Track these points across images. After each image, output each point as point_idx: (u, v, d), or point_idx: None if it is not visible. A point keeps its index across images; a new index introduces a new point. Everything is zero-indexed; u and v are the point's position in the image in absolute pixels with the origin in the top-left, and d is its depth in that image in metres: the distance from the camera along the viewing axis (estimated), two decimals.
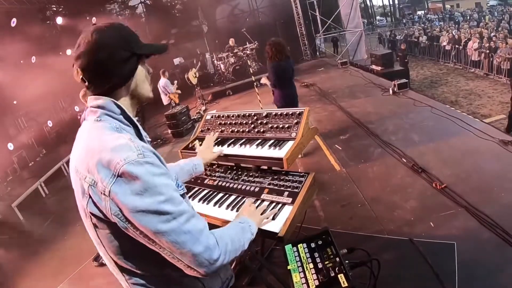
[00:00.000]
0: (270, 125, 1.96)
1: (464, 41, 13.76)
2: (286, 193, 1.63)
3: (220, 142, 2.11)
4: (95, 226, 1.00)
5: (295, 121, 1.87)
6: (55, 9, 10.82)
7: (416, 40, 18.07)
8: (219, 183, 1.90)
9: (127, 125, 1.05)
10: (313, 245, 1.47)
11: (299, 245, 1.49)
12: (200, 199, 1.83)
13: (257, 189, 1.74)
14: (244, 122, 2.10)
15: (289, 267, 1.40)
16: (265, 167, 1.90)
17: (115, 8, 15.50)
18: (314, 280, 1.30)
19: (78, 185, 0.99)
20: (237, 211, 1.62)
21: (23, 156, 8.92)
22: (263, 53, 4.84)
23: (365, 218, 3.18)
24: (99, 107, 1.02)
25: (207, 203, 1.77)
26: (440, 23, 24.25)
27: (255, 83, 7.47)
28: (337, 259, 1.34)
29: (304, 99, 7.33)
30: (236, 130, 2.10)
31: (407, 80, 7.15)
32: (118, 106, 1.03)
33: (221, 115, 2.27)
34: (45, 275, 3.90)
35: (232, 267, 2.64)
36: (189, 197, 1.88)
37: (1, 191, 7.04)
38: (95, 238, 1.05)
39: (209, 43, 15.32)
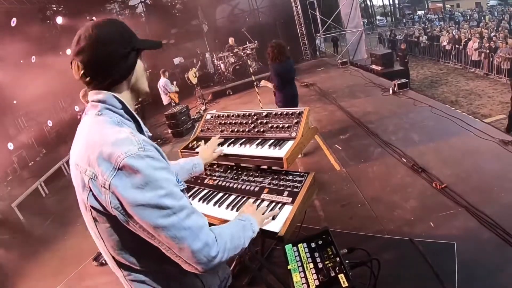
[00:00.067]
0: (270, 125, 1.96)
1: (464, 41, 13.76)
2: (286, 192, 1.63)
3: (220, 142, 2.10)
4: (95, 220, 1.00)
5: (295, 120, 1.87)
6: (55, 9, 10.81)
7: (416, 40, 18.07)
8: (219, 183, 1.90)
9: (128, 119, 1.06)
10: (313, 245, 1.47)
11: (299, 245, 1.49)
12: (200, 199, 1.83)
13: (257, 189, 1.74)
14: (244, 121, 2.10)
15: (289, 267, 1.40)
16: (265, 167, 1.90)
17: (115, 8, 15.50)
18: (314, 280, 1.29)
19: (78, 179, 0.99)
20: (237, 210, 1.62)
21: (23, 156, 8.93)
22: (263, 52, 4.87)
23: (365, 218, 3.18)
24: (100, 101, 1.02)
25: (207, 203, 1.77)
26: (440, 23, 24.24)
27: (255, 83, 7.47)
28: (337, 259, 1.34)
29: (304, 99, 7.33)
30: (236, 129, 2.10)
31: (407, 80, 7.15)
32: (119, 101, 1.04)
33: (221, 115, 2.27)
34: (45, 275, 3.90)
35: (232, 267, 2.64)
36: (189, 196, 1.88)
37: (1, 191, 7.04)
38: (94, 233, 1.05)
39: (209, 43, 15.33)
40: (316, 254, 1.41)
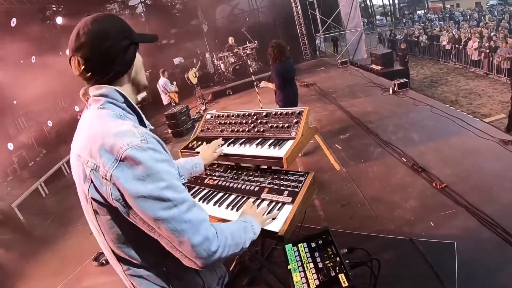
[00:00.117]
0: (270, 125, 1.96)
1: (464, 41, 13.76)
2: (286, 192, 1.63)
3: (222, 143, 2.10)
4: (95, 212, 0.99)
5: (295, 120, 1.87)
6: (55, 9, 10.80)
7: (416, 39, 18.06)
8: (219, 183, 1.90)
9: (130, 113, 1.06)
10: (313, 244, 1.47)
11: (299, 245, 1.49)
12: (200, 199, 1.83)
13: (257, 189, 1.74)
14: (244, 121, 2.10)
15: (289, 267, 1.40)
16: (265, 167, 1.90)
17: (115, 8, 15.48)
18: (314, 279, 1.30)
19: (80, 171, 0.99)
20: (237, 210, 1.62)
21: (23, 156, 8.92)
22: (263, 52, 4.90)
23: (365, 217, 3.18)
24: (102, 95, 1.02)
25: (207, 203, 1.77)
26: (440, 22, 24.24)
27: (255, 83, 7.47)
28: (338, 258, 1.34)
29: (304, 99, 7.33)
30: (236, 129, 2.10)
31: (407, 80, 7.15)
32: (121, 94, 1.04)
33: (221, 115, 2.27)
34: (46, 275, 3.90)
35: (232, 267, 2.64)
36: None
37: (1, 191, 7.04)
38: (95, 226, 1.04)
39: (209, 43, 15.32)
40: (316, 254, 1.41)
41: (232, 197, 1.75)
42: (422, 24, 23.40)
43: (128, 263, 1.05)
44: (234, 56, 11.22)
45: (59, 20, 10.21)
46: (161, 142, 1.00)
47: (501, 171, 3.40)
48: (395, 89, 6.65)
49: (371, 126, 5.26)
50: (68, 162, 7.77)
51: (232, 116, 2.20)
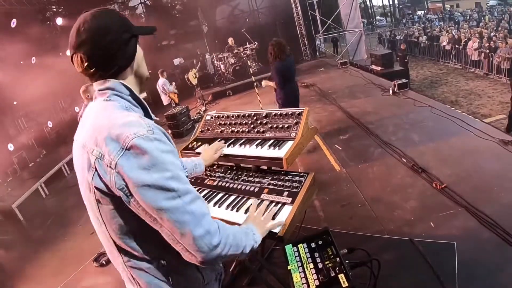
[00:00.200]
0: (269, 125, 1.96)
1: (464, 41, 13.77)
2: (285, 193, 1.63)
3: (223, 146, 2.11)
4: (98, 201, 0.99)
5: (295, 121, 1.87)
6: (55, 9, 10.81)
7: (416, 40, 18.08)
8: (219, 183, 1.90)
9: (135, 105, 1.07)
10: (313, 245, 1.47)
11: (299, 245, 1.49)
12: None
13: (257, 189, 1.74)
14: (244, 122, 2.10)
15: (289, 267, 1.40)
16: (265, 167, 1.90)
17: (115, 9, 15.51)
18: (314, 280, 1.30)
19: (84, 160, 0.99)
20: (237, 211, 1.62)
21: (23, 157, 8.92)
22: (263, 53, 4.92)
23: (365, 218, 3.18)
24: (108, 88, 1.03)
25: (207, 203, 1.77)
26: (440, 23, 24.26)
27: (255, 84, 7.48)
28: (338, 259, 1.35)
29: (304, 99, 7.33)
30: (236, 130, 2.10)
31: (407, 80, 7.15)
32: (127, 87, 1.05)
33: (221, 116, 2.27)
34: (46, 275, 3.90)
35: (232, 267, 2.64)
36: None
37: (1, 192, 7.03)
38: (97, 217, 1.04)
39: (209, 44, 15.32)
40: (316, 254, 1.41)
41: (232, 197, 1.75)
42: (422, 25, 23.43)
43: (129, 254, 1.05)
44: (234, 57, 11.23)
45: (59, 21, 10.21)
46: (167, 134, 1.01)
47: (501, 172, 3.40)
48: (395, 89, 6.66)
49: (371, 126, 5.26)
50: (68, 163, 7.79)
51: (232, 116, 2.20)
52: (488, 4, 29.91)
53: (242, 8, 15.05)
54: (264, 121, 2.01)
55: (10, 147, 8.63)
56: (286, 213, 1.51)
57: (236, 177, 1.90)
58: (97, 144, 0.94)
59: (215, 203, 1.74)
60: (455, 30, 16.63)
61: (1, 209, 6.01)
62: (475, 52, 12.39)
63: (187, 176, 1.07)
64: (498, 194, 3.06)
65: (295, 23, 13.91)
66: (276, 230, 1.44)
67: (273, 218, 1.50)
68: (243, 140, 2.01)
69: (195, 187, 1.94)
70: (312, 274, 1.32)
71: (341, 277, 1.25)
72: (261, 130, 1.99)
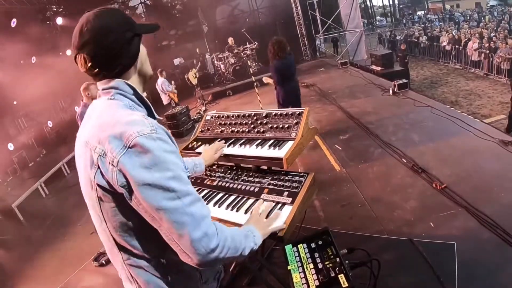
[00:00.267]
0: (270, 125, 1.96)
1: (464, 41, 13.77)
2: (285, 193, 1.63)
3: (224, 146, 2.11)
4: (100, 199, 0.99)
5: (295, 121, 1.87)
6: (55, 9, 10.81)
7: (416, 40, 18.08)
8: (219, 183, 1.90)
9: (139, 105, 1.07)
10: (313, 245, 1.47)
11: (299, 245, 1.49)
12: None
13: (257, 189, 1.74)
14: (244, 122, 2.10)
15: (289, 267, 1.40)
16: (265, 167, 1.90)
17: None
18: (314, 280, 1.30)
19: (87, 157, 0.99)
20: (237, 211, 1.62)
21: (23, 157, 8.93)
22: (263, 53, 4.94)
23: (365, 218, 3.18)
24: (112, 88, 1.03)
25: (207, 203, 1.77)
26: (440, 23, 24.26)
27: (255, 83, 7.48)
28: (337, 259, 1.34)
29: (304, 99, 7.28)
30: (236, 130, 2.10)
31: (407, 80, 7.14)
32: (130, 86, 1.05)
33: (221, 115, 2.27)
34: (45, 275, 3.90)
35: (232, 267, 2.64)
36: None
37: (1, 191, 7.03)
38: (98, 214, 1.04)
39: (209, 44, 15.33)
40: (316, 255, 1.41)
41: (232, 197, 1.75)
42: (422, 25, 23.45)
43: (129, 252, 1.05)
44: (234, 57, 11.23)
45: (59, 20, 10.21)
46: (169, 134, 1.01)
47: (501, 172, 3.40)
48: (395, 89, 6.66)
49: (371, 126, 5.26)
50: (68, 163, 7.79)
51: (232, 116, 2.20)
52: (488, 5, 29.92)
53: (242, 8, 15.05)
54: (264, 121, 2.01)
55: (10, 146, 8.64)
56: (286, 213, 1.51)
57: (236, 177, 1.90)
58: (100, 142, 0.94)
59: (215, 203, 1.74)
60: (455, 31, 16.64)
61: (1, 208, 6.01)
62: (475, 52, 12.40)
63: (188, 177, 1.07)
64: (498, 194, 3.06)
65: (295, 23, 13.91)
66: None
67: (268, 215, 1.49)
68: (243, 140, 2.01)
69: (195, 187, 1.95)
70: (312, 274, 1.32)
71: (341, 277, 1.25)
72: (261, 130, 1.99)
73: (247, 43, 11.33)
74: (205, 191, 1.89)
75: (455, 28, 18.82)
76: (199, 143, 2.19)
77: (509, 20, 17.78)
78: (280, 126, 1.91)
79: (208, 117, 2.35)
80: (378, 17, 37.26)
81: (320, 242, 1.47)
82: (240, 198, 1.72)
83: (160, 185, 0.90)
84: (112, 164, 0.91)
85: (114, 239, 1.04)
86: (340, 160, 4.46)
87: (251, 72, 9.43)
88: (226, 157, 1.95)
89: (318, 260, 1.38)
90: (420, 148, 4.25)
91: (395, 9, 37.45)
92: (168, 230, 0.92)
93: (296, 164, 4.60)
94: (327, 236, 1.49)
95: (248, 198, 1.69)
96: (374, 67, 10.68)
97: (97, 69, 1.00)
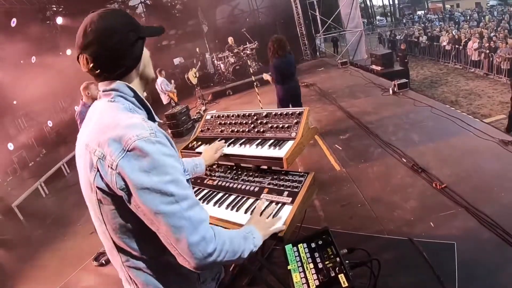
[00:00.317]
0: (270, 125, 1.96)
1: (464, 41, 13.77)
2: (285, 192, 1.63)
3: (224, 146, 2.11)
4: (99, 201, 1.00)
5: (295, 121, 1.87)
6: (55, 9, 10.80)
7: (416, 40, 18.08)
8: (219, 183, 1.90)
9: (139, 107, 1.07)
10: (313, 245, 1.47)
11: (299, 245, 1.49)
12: (200, 199, 1.83)
13: (257, 189, 1.74)
14: (244, 122, 2.10)
15: (289, 267, 1.40)
16: (265, 167, 1.90)
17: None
18: (314, 280, 1.30)
19: (87, 159, 0.99)
20: (237, 211, 1.62)
21: (23, 156, 8.94)
22: (263, 53, 4.96)
23: (365, 218, 3.18)
24: (112, 90, 1.03)
25: (207, 203, 1.77)
26: (440, 23, 24.25)
27: (255, 83, 7.48)
28: (338, 259, 1.34)
29: (304, 99, 7.28)
30: (236, 130, 2.10)
31: (407, 80, 7.14)
32: (131, 89, 1.05)
33: (221, 115, 2.27)
34: (45, 275, 3.90)
35: (232, 267, 2.64)
36: None
37: (1, 191, 7.04)
38: (97, 216, 1.04)
39: (209, 43, 15.34)
40: (316, 254, 1.41)
41: (232, 197, 1.75)
42: (422, 25, 23.44)
43: (128, 254, 1.05)
44: (234, 57, 11.22)
45: (59, 20, 10.21)
46: (169, 138, 1.01)
47: (501, 172, 3.40)
48: (395, 89, 6.65)
49: (371, 126, 5.26)
50: (68, 162, 7.79)
51: (232, 116, 2.20)
52: (488, 4, 29.90)
53: (242, 8, 15.05)
54: (264, 121, 2.01)
55: (10, 146, 8.65)
56: (286, 213, 1.51)
57: (236, 177, 1.90)
58: (99, 145, 0.94)
59: (215, 203, 1.74)
60: (455, 30, 16.63)
61: (1, 208, 6.02)
62: (475, 52, 12.40)
63: (187, 175, 1.07)
64: (498, 194, 3.06)
65: (295, 22, 13.91)
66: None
67: (273, 217, 1.49)
68: (243, 139, 2.00)
69: (195, 187, 1.96)
70: (312, 274, 1.32)
71: (341, 277, 1.25)
72: (261, 130, 1.98)
73: (247, 43, 11.32)
74: (205, 191, 1.89)
75: (455, 28, 18.81)
76: (199, 142, 2.19)
77: (509, 20, 17.77)
78: (280, 125, 1.91)
79: (208, 117, 2.35)
80: (378, 17, 37.22)
81: (320, 242, 1.47)
82: (240, 197, 1.72)
83: (158, 189, 0.90)
84: (111, 167, 0.91)
85: (113, 241, 1.05)
86: (340, 160, 4.46)
87: (251, 71, 9.43)
88: (226, 156, 1.95)
89: (318, 260, 1.38)
90: (420, 148, 4.24)
91: (395, 8, 37.42)
92: (165, 233, 0.93)
93: (296, 164, 4.60)
94: (327, 236, 1.49)
95: (248, 198, 1.69)
96: (374, 66, 10.68)
97: (99, 70, 1.00)
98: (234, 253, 1.05)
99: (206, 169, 1.88)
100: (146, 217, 0.93)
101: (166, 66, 10.18)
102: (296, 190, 1.63)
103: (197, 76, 10.49)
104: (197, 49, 14.30)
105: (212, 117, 2.32)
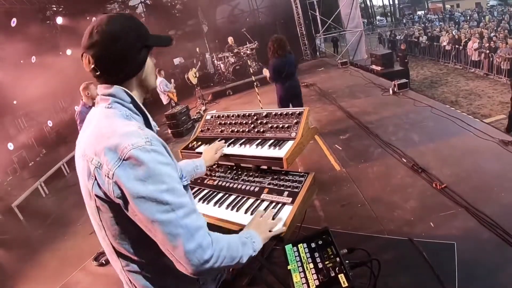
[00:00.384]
0: (270, 125, 1.96)
1: (464, 41, 13.77)
2: (286, 193, 1.63)
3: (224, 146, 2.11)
4: (98, 209, 1.00)
5: (295, 121, 1.87)
6: (55, 9, 10.80)
7: (416, 40, 18.08)
8: (219, 183, 1.90)
9: (136, 113, 1.07)
10: (313, 245, 1.47)
11: (299, 245, 1.49)
12: (200, 199, 1.83)
13: (257, 189, 1.74)
14: (244, 122, 2.10)
15: (289, 267, 1.40)
16: (265, 167, 1.90)
17: (115, 8, 15.47)
18: (314, 280, 1.29)
19: (84, 168, 1.00)
20: (237, 211, 1.62)
21: (23, 156, 8.94)
22: (263, 53, 4.98)
23: (365, 218, 3.18)
24: (110, 95, 1.03)
25: (207, 203, 1.77)
26: (440, 23, 24.25)
27: (255, 83, 7.48)
28: (337, 259, 1.34)
29: (304, 99, 7.24)
30: (236, 130, 2.10)
31: (407, 80, 7.14)
32: (129, 95, 1.05)
33: (221, 115, 2.27)
34: (45, 275, 3.90)
35: (231, 268, 2.64)
36: None
37: (1, 191, 7.04)
38: (97, 222, 1.05)
39: (209, 43, 15.34)
40: (316, 254, 1.41)
41: (232, 197, 1.75)
42: (422, 25, 23.45)
43: (128, 259, 1.06)
44: (234, 57, 11.22)
45: (59, 20, 10.21)
46: (166, 146, 1.01)
47: (501, 172, 3.40)
48: (395, 89, 6.65)
49: (371, 126, 5.26)
50: (68, 162, 7.79)
51: (232, 116, 2.20)
52: (488, 4, 29.92)
53: (242, 8, 15.05)
54: (264, 121, 2.01)
55: (10, 146, 8.65)
56: (286, 213, 1.51)
57: (236, 177, 1.90)
58: (96, 153, 0.95)
59: (215, 203, 1.74)
60: (455, 30, 16.64)
61: (1, 208, 6.02)
62: (475, 52, 12.40)
63: (185, 181, 1.07)
64: (498, 194, 3.06)
65: (295, 22, 13.91)
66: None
67: (273, 218, 1.50)
68: (243, 139, 2.00)
69: (195, 187, 1.96)
70: (312, 274, 1.32)
71: (341, 277, 1.25)
72: (261, 130, 1.98)
73: (247, 43, 11.32)
74: (206, 191, 1.89)
75: (455, 28, 18.82)
76: (199, 142, 2.19)
77: (509, 20, 17.77)
78: (280, 125, 1.91)
79: (208, 117, 2.35)
80: (378, 17, 37.23)
81: (320, 242, 1.47)
82: (240, 198, 1.72)
83: (154, 198, 0.90)
84: (108, 176, 0.92)
85: (113, 246, 1.05)
86: (340, 160, 4.46)
87: (251, 71, 9.43)
88: (226, 157, 1.95)
89: (318, 260, 1.38)
90: (420, 148, 4.24)
91: (395, 9, 37.43)
92: (162, 241, 0.93)
93: (296, 164, 4.60)
94: (327, 236, 1.49)
95: (248, 198, 1.69)
96: (374, 66, 10.68)
97: (99, 72, 1.01)
98: (232, 259, 1.06)
99: (206, 169, 1.88)
100: (143, 225, 0.94)
101: (166, 66, 10.19)
102: (296, 190, 1.63)
103: (197, 76, 10.48)
104: (197, 49, 14.30)
105: (212, 117, 2.32)
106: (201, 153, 1.96)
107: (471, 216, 2.83)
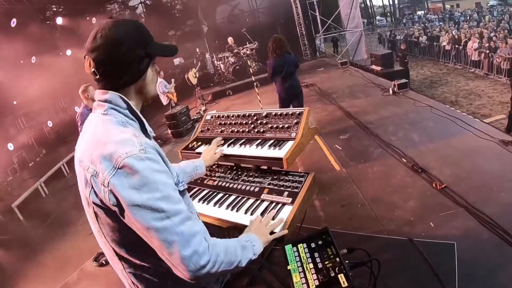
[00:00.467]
0: (270, 125, 1.96)
1: (464, 41, 13.77)
2: (286, 193, 1.63)
3: (221, 142, 2.11)
4: (96, 215, 1.01)
5: (295, 121, 1.87)
6: (55, 9, 10.81)
7: (416, 40, 18.08)
8: (219, 183, 1.90)
9: (132, 119, 1.07)
10: (313, 245, 1.47)
11: (299, 245, 1.49)
12: (200, 199, 1.83)
13: (257, 189, 1.74)
14: (244, 122, 2.10)
15: (289, 267, 1.40)
16: (265, 167, 1.90)
17: (115, 8, 15.47)
18: (314, 280, 1.29)
19: (82, 175, 1.01)
20: (237, 211, 1.62)
21: (23, 157, 8.93)
22: (263, 53, 5.01)
23: (365, 218, 3.18)
24: (106, 101, 1.03)
25: (207, 203, 1.77)
26: (440, 23, 24.26)
27: (255, 83, 7.48)
28: (337, 259, 1.34)
29: (304, 99, 7.32)
30: (236, 130, 2.10)
31: (407, 80, 7.15)
32: (125, 101, 1.05)
33: (221, 115, 2.27)
34: (45, 275, 3.90)
35: None
36: (189, 197, 1.88)
37: (1, 191, 7.04)
38: (96, 228, 1.06)
39: (209, 43, 15.33)
40: (316, 254, 1.41)
41: (232, 197, 1.75)
42: (422, 25, 23.45)
43: (129, 262, 1.07)
44: (234, 57, 11.22)
45: (59, 20, 10.21)
46: (161, 152, 1.02)
47: (501, 172, 3.40)
48: (395, 89, 6.65)
49: (371, 126, 5.26)
50: (68, 163, 7.79)
51: (232, 116, 2.20)
52: (488, 4, 29.92)
53: (242, 8, 15.04)
54: (264, 121, 2.01)
55: (10, 146, 8.65)
56: (286, 213, 1.51)
57: (236, 177, 1.90)
58: (92, 162, 0.95)
59: (215, 203, 1.74)
60: (455, 30, 16.64)
61: (1, 208, 6.03)
62: (475, 52, 12.40)
63: (182, 186, 1.07)
64: (498, 194, 3.06)
65: (295, 23, 13.90)
66: (276, 230, 1.43)
67: (273, 219, 1.50)
68: (243, 140, 2.00)
69: (195, 187, 1.96)
70: (312, 274, 1.32)
71: (341, 277, 1.25)
72: (261, 130, 1.98)
73: (247, 43, 11.32)
74: (205, 191, 1.89)
75: (455, 28, 18.82)
76: (199, 143, 2.19)
77: (509, 20, 17.78)
78: (280, 126, 1.91)
79: (208, 117, 2.35)
80: (378, 17, 37.25)
81: (320, 242, 1.47)
82: (240, 198, 1.72)
83: (149, 205, 0.90)
84: (104, 185, 0.92)
85: (113, 250, 1.06)
86: (340, 160, 4.46)
87: (251, 72, 9.42)
88: (226, 157, 1.95)
89: (318, 260, 1.38)
90: (420, 148, 4.24)
91: (395, 9, 37.44)
92: (159, 247, 0.94)
93: (296, 164, 4.60)
94: (327, 236, 1.48)
95: (248, 198, 1.69)
96: (374, 67, 10.68)
97: (98, 76, 1.01)
98: (230, 264, 1.06)
99: (206, 169, 1.88)
100: (140, 232, 0.95)
101: (166, 66, 10.17)
102: (296, 190, 1.63)
103: (197, 76, 10.48)
104: (197, 49, 14.30)
105: (212, 117, 2.32)
106: (201, 153, 1.96)
107: (471, 216, 2.83)
